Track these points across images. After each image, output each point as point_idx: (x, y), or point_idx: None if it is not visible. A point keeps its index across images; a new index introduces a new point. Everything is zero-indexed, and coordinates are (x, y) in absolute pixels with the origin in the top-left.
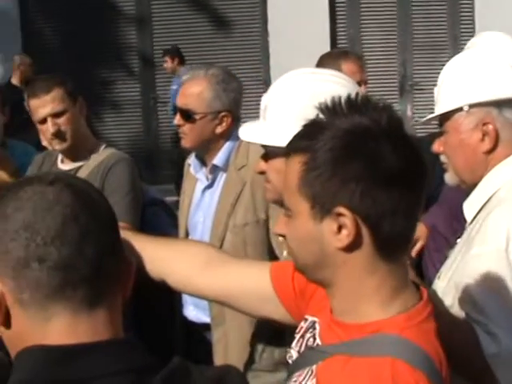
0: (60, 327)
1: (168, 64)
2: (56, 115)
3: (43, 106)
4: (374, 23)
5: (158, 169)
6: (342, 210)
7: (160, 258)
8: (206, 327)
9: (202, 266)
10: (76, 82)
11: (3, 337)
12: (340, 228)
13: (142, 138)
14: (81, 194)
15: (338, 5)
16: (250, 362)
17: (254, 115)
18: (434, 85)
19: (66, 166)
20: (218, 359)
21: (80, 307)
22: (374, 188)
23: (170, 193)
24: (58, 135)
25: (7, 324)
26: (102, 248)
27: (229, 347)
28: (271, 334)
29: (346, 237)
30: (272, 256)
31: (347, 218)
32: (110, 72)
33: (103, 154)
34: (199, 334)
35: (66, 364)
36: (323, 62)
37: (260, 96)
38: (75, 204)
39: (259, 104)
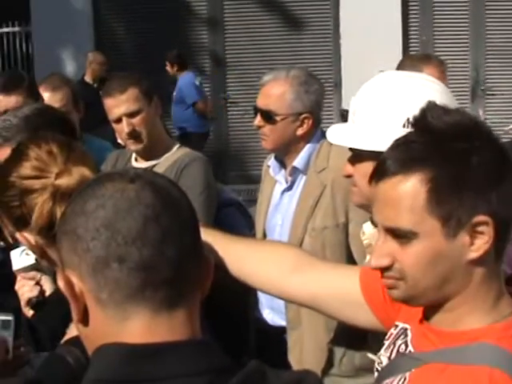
0: (139, 327)
1: (168, 69)
2: (131, 115)
3: (118, 105)
4: (447, 27)
5: (226, 169)
6: (482, 218)
7: (244, 258)
8: (282, 330)
9: (289, 269)
10: (147, 81)
11: (81, 334)
12: (473, 238)
13: (211, 137)
14: (162, 192)
15: (410, 8)
16: (328, 366)
17: (326, 117)
18: (507, 90)
19: (139, 164)
20: (293, 362)
21: (160, 308)
22: (506, 191)
23: (238, 193)
24: (133, 135)
25: (85, 322)
26: (183, 249)
27: (304, 351)
28: (351, 339)
29: (483, 244)
30: (350, 260)
31: (487, 226)
32: None
33: (177, 153)
34: (274, 337)
35: (144, 362)
36: (404, 65)
37: (331, 98)
38: (156, 203)
39: (330, 106)
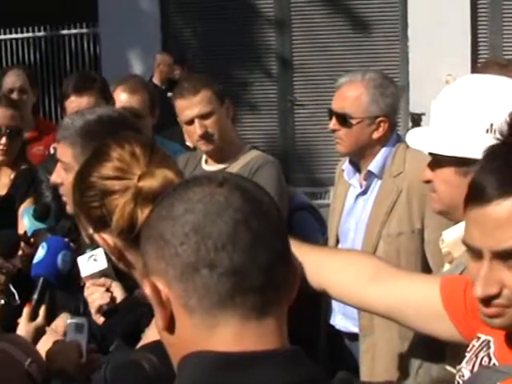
0: (227, 335)
1: (177, 72)
2: (203, 117)
3: (190, 107)
4: None
5: (293, 171)
6: None
7: (322, 267)
8: (354, 337)
9: (367, 279)
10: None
11: (165, 342)
12: None
13: (277, 140)
14: (251, 196)
15: (479, 11)
16: (403, 377)
17: None
18: None
19: (210, 167)
20: (365, 370)
21: (249, 315)
22: None
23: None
24: (205, 137)
25: (171, 329)
26: (273, 254)
27: (376, 358)
28: (428, 349)
29: None
30: (425, 267)
31: None
32: (248, 73)
33: (249, 155)
34: (345, 344)
35: (234, 372)
36: (487, 69)
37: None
38: (246, 207)
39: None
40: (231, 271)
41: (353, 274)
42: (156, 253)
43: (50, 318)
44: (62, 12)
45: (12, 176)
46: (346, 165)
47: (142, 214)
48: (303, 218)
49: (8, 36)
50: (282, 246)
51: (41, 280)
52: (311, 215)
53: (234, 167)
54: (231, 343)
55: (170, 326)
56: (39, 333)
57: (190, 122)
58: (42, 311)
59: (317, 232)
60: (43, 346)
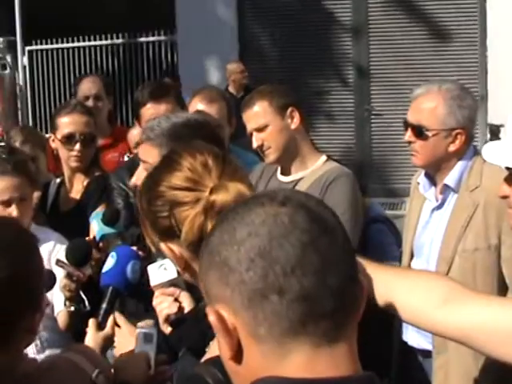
0: (298, 363)
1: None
2: (258, 129)
3: (248, 120)
4: None
5: (368, 181)
6: None
7: (393, 287)
8: (427, 354)
9: (439, 302)
10: (286, 92)
11: (230, 371)
12: None
13: (354, 149)
14: (316, 215)
15: None
16: None
17: None
18: None
19: (285, 177)
20: None
21: (321, 342)
22: None
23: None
24: (262, 149)
25: (238, 359)
26: (343, 276)
27: (449, 377)
28: (502, 371)
29: None
30: (502, 284)
31: None
32: (324, 82)
33: (324, 167)
34: (418, 361)
35: None
36: None
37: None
38: (312, 228)
39: (476, 120)
40: (302, 296)
41: (422, 297)
42: (220, 280)
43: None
44: (140, 19)
45: (85, 182)
46: (421, 178)
47: None
48: (379, 230)
49: (87, 43)
50: (350, 266)
51: (110, 289)
52: (387, 228)
53: (309, 178)
54: (303, 370)
55: (238, 355)
56: (107, 343)
57: (251, 135)
58: (110, 321)
59: (392, 245)
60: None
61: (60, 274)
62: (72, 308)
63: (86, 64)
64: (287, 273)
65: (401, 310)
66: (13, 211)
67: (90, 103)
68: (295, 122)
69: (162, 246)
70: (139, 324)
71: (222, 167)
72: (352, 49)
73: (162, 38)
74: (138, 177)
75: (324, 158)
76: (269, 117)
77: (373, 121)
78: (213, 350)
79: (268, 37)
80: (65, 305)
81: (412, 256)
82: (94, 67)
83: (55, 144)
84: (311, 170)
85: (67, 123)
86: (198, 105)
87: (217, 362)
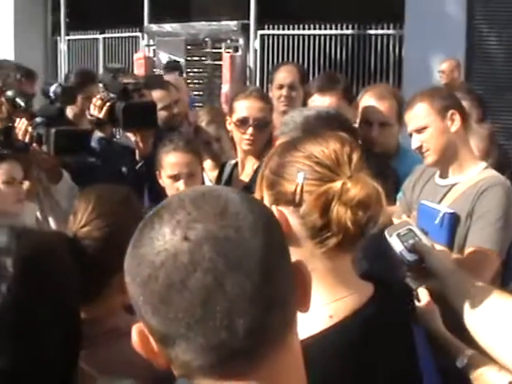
0: None
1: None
2: (418, 131)
3: (408, 121)
4: None
5: None
6: None
7: (472, 305)
8: None
9: None
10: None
11: None
12: None
13: None
14: (223, 248)
15: None
16: None
17: None
18: None
19: (442, 180)
20: None
21: (234, 379)
22: None
23: None
24: (421, 151)
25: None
26: (259, 312)
27: None
28: None
29: None
30: None
31: None
32: None
33: (482, 174)
34: None
35: None
36: None
37: None
38: (217, 265)
39: None
40: (208, 345)
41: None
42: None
43: None
44: (370, 11)
45: (255, 166)
46: None
47: (337, 213)
48: None
49: (316, 31)
50: (270, 295)
51: None
52: None
53: (465, 184)
54: None
55: None
56: None
57: (411, 136)
58: None
59: None
60: None
61: None
62: None
63: (314, 52)
64: (191, 323)
65: (476, 336)
66: (180, 185)
67: (283, 92)
68: (455, 125)
69: (274, 208)
70: None
71: (362, 165)
72: None
73: (391, 31)
74: None
75: (483, 164)
76: (429, 118)
77: None
78: None
79: (497, 38)
80: None
81: None
82: (322, 56)
83: (230, 127)
84: (468, 177)
85: (242, 107)
86: (368, 100)
87: None
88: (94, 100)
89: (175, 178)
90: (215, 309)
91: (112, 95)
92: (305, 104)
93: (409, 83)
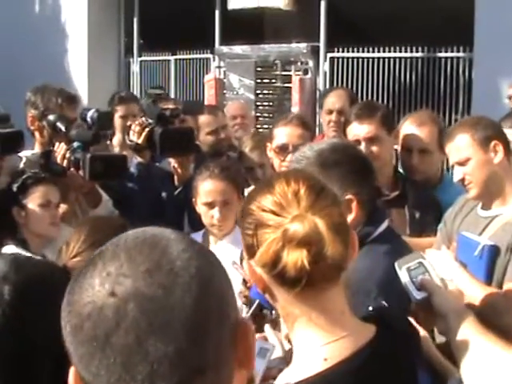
0: None
1: None
2: (460, 163)
3: (449, 153)
4: None
5: None
6: None
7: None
8: None
9: None
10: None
11: None
12: None
13: None
14: (150, 303)
15: None
16: None
17: None
18: None
19: (483, 212)
20: None
21: None
22: None
23: None
24: (464, 183)
25: None
26: (183, 379)
27: None
28: None
29: None
30: None
31: None
32: None
33: None
34: None
35: None
36: None
37: None
38: (140, 325)
39: None
40: None
41: None
42: None
43: None
44: (439, 34)
45: None
46: None
47: (288, 256)
48: None
49: (386, 54)
50: (197, 355)
51: (256, 302)
52: None
53: (506, 216)
54: None
55: None
56: None
57: (453, 168)
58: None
59: None
60: None
61: (236, 277)
62: (264, 311)
63: (383, 74)
64: (110, 381)
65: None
66: (215, 213)
67: (333, 118)
68: (499, 156)
69: (245, 262)
70: (259, 335)
71: (315, 198)
72: None
73: (460, 54)
74: None
75: None
76: (471, 150)
77: None
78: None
79: None
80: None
81: None
82: (391, 78)
83: (270, 153)
84: (510, 208)
85: (282, 134)
86: (408, 127)
87: None
88: (133, 126)
89: (210, 205)
90: (136, 370)
91: (150, 121)
92: (344, 132)
93: (479, 106)
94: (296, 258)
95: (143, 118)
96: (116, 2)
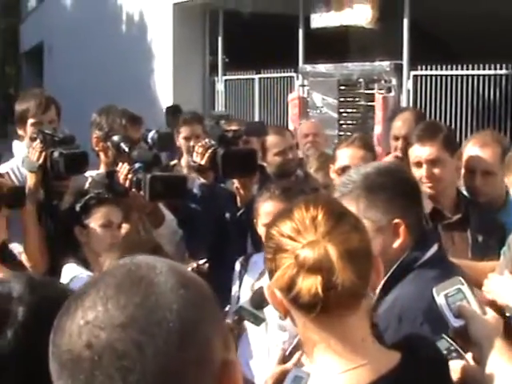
0: None
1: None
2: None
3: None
4: None
5: None
6: None
7: None
8: None
9: None
10: None
11: None
12: None
13: None
14: (122, 360)
15: None
16: None
17: None
18: None
19: None
20: None
21: None
22: None
23: None
24: None
25: None
26: None
27: None
28: None
29: None
30: None
31: None
32: None
33: None
34: None
35: None
36: None
37: None
38: (115, 380)
39: None
40: None
41: None
42: None
43: None
44: None
45: None
46: None
47: (302, 282)
48: None
49: (470, 72)
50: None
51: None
52: None
53: None
54: None
55: None
56: (282, 377)
57: None
58: (295, 357)
59: None
60: None
61: None
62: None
63: (467, 92)
64: None
65: None
66: None
67: (399, 145)
68: None
69: (265, 287)
70: (292, 363)
71: (333, 225)
72: None
73: (503, 71)
74: None
75: None
76: (499, 165)
77: None
78: None
79: None
80: None
81: None
82: (475, 96)
83: (333, 175)
84: None
85: (344, 156)
86: (471, 148)
87: None
88: (196, 147)
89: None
90: None
91: (213, 142)
92: (405, 153)
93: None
94: (310, 284)
95: (206, 140)
96: (201, 21)
